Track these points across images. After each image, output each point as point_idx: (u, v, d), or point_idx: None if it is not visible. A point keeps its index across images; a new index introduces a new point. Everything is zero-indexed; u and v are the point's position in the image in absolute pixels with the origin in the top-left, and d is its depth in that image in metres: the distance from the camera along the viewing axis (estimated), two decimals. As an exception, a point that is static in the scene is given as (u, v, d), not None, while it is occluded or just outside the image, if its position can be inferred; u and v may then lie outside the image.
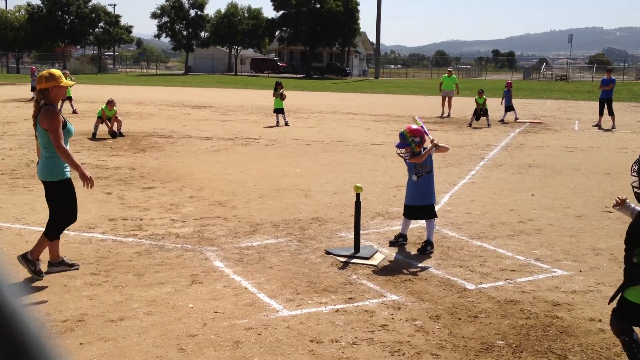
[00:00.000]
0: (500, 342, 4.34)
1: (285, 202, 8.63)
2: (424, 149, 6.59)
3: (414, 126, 6.69)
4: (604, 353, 4.19)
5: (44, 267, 5.59)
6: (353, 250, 6.31)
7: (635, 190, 3.71)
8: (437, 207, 8.42)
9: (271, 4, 75.32)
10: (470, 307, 4.95)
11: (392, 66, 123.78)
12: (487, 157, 13.23)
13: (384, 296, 5.17)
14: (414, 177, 6.57)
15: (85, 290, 5.16)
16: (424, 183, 6.58)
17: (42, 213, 7.67)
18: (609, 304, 4.00)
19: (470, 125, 19.83)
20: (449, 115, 23.72)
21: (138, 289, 5.21)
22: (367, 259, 6.14)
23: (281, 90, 19.01)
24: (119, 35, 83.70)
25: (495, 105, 22.39)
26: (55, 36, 77.28)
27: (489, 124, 19.86)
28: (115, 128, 15.56)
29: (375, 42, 79.46)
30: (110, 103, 15.55)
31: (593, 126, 20.01)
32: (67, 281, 5.36)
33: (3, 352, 0.61)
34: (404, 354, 4.13)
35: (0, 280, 0.65)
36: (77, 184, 9.44)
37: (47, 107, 5.36)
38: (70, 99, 21.89)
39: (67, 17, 78.51)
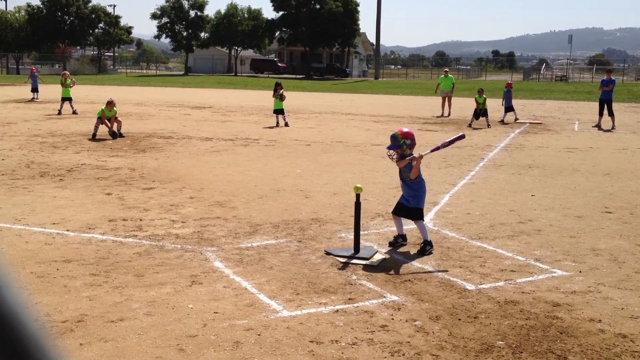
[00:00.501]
0: (500, 342, 4.34)
1: (285, 202, 8.63)
2: (411, 154, 6.52)
3: (405, 129, 6.73)
4: (604, 353, 4.19)
5: None
6: (353, 251, 6.31)
7: None
8: (437, 208, 8.46)
9: (271, 4, 75.34)
10: (470, 308, 4.95)
11: (392, 67, 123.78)
12: (487, 157, 13.23)
13: (384, 297, 5.17)
14: (400, 182, 6.60)
15: (85, 290, 5.16)
16: (412, 187, 6.55)
17: (42, 214, 7.68)
18: None
19: (470, 125, 19.84)
20: (449, 115, 23.89)
21: (138, 289, 5.21)
22: (367, 259, 6.14)
23: (281, 91, 19.00)
24: (119, 36, 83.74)
25: (495, 106, 22.40)
26: (55, 37, 77.31)
27: (488, 125, 19.87)
28: (115, 129, 15.54)
29: (375, 43, 79.46)
30: (110, 104, 15.53)
31: (593, 127, 20.01)
32: (67, 282, 5.36)
33: (3, 353, 0.61)
34: (403, 355, 4.13)
35: (0, 281, 0.65)
36: (77, 184, 9.46)
37: None
38: (70, 99, 21.90)
39: (67, 17, 78.53)
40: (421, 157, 6.58)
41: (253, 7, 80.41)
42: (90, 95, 31.91)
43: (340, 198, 8.92)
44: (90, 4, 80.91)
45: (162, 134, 16.33)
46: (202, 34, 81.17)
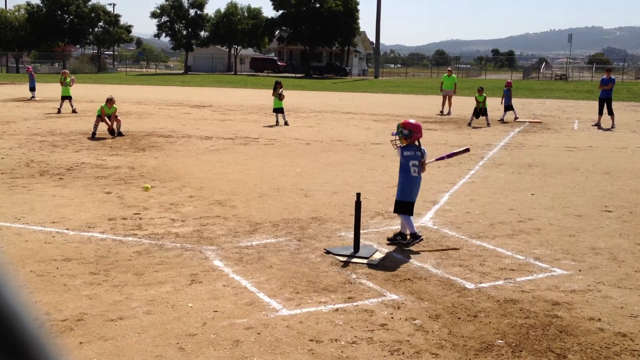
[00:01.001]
0: (500, 341, 4.35)
1: (284, 201, 8.63)
2: (418, 151, 6.74)
3: (411, 120, 6.84)
4: (603, 352, 4.20)
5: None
6: (353, 250, 6.31)
7: None
8: (436, 207, 8.47)
9: (271, 3, 75.29)
10: (469, 307, 4.95)
11: (392, 66, 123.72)
12: (487, 156, 13.23)
13: (384, 295, 5.17)
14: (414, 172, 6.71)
15: (84, 289, 5.16)
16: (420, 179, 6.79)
17: (42, 212, 7.68)
18: None
19: (470, 124, 19.84)
20: (449, 113, 24.03)
21: (137, 288, 5.21)
22: (367, 258, 6.14)
23: (280, 90, 18.98)
24: (119, 35, 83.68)
25: (494, 105, 22.39)
26: (55, 36, 77.26)
27: (488, 124, 19.88)
28: (114, 127, 15.52)
29: (374, 42, 79.42)
30: (110, 101, 15.49)
31: (592, 125, 20.01)
32: (67, 280, 5.36)
33: (3, 352, 0.61)
34: (403, 353, 4.13)
35: (0, 280, 0.65)
36: (77, 183, 9.46)
37: None
38: (70, 98, 21.89)
39: (66, 16, 78.47)
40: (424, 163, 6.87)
41: (253, 5, 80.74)
42: (90, 94, 31.89)
43: (340, 197, 8.92)
44: (89, 3, 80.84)
45: (161, 133, 16.32)
46: (202, 33, 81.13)
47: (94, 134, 15.32)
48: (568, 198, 9.14)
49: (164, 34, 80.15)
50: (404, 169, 6.75)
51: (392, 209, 8.27)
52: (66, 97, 21.80)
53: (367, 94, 38.99)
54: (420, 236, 6.62)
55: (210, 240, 6.69)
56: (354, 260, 6.10)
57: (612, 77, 20.68)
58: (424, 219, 7.80)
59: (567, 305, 5.03)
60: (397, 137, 6.72)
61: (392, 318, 4.70)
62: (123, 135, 15.52)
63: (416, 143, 6.74)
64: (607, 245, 6.74)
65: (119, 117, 15.84)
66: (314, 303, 4.97)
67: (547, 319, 4.75)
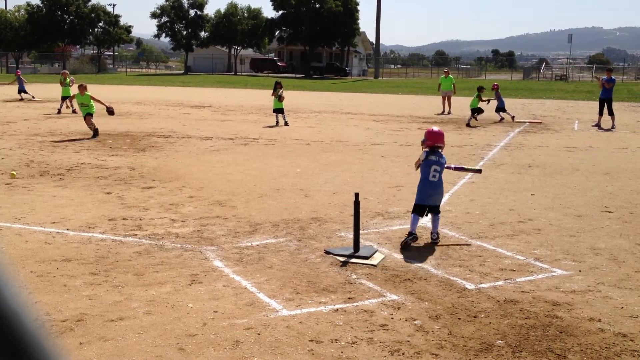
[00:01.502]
0: (500, 341, 4.34)
1: (285, 201, 8.62)
2: (442, 158, 6.99)
3: (435, 128, 7.07)
4: (604, 353, 4.20)
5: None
6: (353, 250, 6.30)
7: None
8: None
9: (271, 3, 75.31)
10: (469, 307, 4.95)
11: (392, 66, 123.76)
12: (487, 156, 13.23)
13: (384, 296, 5.17)
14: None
15: (84, 289, 5.16)
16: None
17: (42, 213, 7.68)
18: None
19: (468, 124, 19.84)
20: (449, 113, 24.18)
21: (138, 288, 5.21)
22: (367, 258, 6.14)
23: (280, 91, 18.96)
24: (119, 35, 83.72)
25: (490, 106, 22.33)
26: (55, 36, 77.29)
27: (475, 118, 20.35)
28: (92, 126, 15.01)
29: (374, 42, 79.40)
30: (80, 87, 15.19)
31: (593, 126, 20.01)
32: (67, 281, 5.36)
33: (3, 352, 0.61)
34: (403, 354, 4.13)
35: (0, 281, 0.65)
36: (77, 184, 9.45)
37: None
38: (70, 98, 21.89)
39: (66, 17, 78.51)
40: (419, 160, 7.01)
41: (253, 6, 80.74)
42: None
43: (340, 197, 8.92)
44: (90, 3, 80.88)
45: (161, 133, 16.32)
46: (202, 33, 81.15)
47: (95, 130, 15.10)
48: (568, 198, 9.14)
49: (164, 35, 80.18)
50: (423, 173, 6.93)
51: (392, 209, 8.30)
52: (66, 98, 21.81)
53: (367, 95, 38.98)
54: (415, 235, 6.68)
55: (210, 240, 6.69)
56: (354, 260, 6.10)
57: (613, 77, 20.68)
58: (424, 219, 7.78)
59: (568, 305, 5.02)
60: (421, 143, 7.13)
61: (392, 318, 4.70)
62: (96, 137, 14.98)
63: (440, 150, 6.95)
64: (608, 245, 6.74)
65: (92, 119, 15.14)
66: (314, 303, 4.96)
67: (547, 319, 4.74)
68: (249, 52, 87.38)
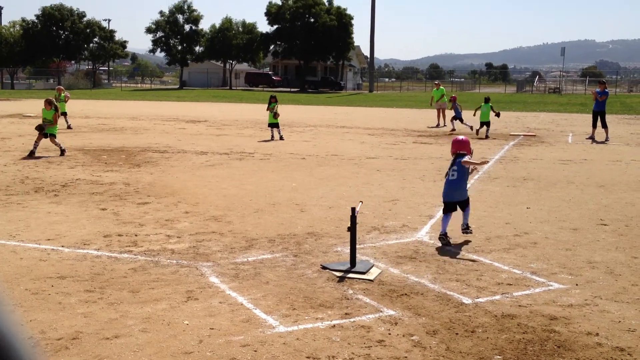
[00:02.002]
0: (498, 357, 4.33)
1: (280, 216, 8.61)
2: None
3: (460, 137, 7.89)
4: (602, 367, 4.18)
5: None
6: (349, 265, 6.29)
7: None
8: (432, 221, 8.46)
9: (265, 18, 75.76)
10: (467, 322, 4.93)
11: (386, 80, 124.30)
12: (482, 170, 13.25)
13: (381, 311, 5.15)
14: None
15: (79, 307, 5.12)
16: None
17: (37, 230, 7.64)
18: None
19: (480, 134, 20.36)
20: (445, 125, 24.36)
21: (133, 305, 5.17)
22: (364, 273, 6.12)
23: (275, 107, 18.98)
24: (114, 50, 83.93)
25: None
26: (50, 52, 77.41)
27: (484, 134, 20.52)
28: (58, 147, 14.60)
29: (369, 56, 79.83)
30: (46, 102, 14.67)
31: (587, 139, 20.10)
32: (62, 298, 5.32)
33: None
34: (401, 370, 4.10)
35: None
36: (72, 200, 9.42)
37: None
38: (64, 114, 21.87)
39: (61, 32, 78.70)
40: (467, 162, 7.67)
41: (248, 20, 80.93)
42: (85, 109, 31.90)
43: (336, 212, 8.91)
44: (85, 19, 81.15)
45: (157, 148, 16.31)
46: (197, 48, 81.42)
47: (62, 151, 14.65)
48: (563, 211, 9.16)
49: (159, 50, 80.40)
50: (448, 172, 7.75)
51: (388, 223, 8.29)
52: (61, 113, 21.78)
53: (362, 108, 39.11)
54: (446, 238, 7.29)
55: (206, 256, 6.66)
56: (351, 275, 6.08)
57: (606, 90, 20.81)
58: (420, 233, 7.79)
59: (565, 319, 5.01)
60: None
61: (390, 334, 4.68)
62: (64, 154, 14.58)
63: (461, 153, 7.62)
64: (604, 258, 6.74)
65: (56, 139, 14.66)
66: (311, 319, 4.94)
67: (545, 333, 4.73)
68: (244, 67, 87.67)
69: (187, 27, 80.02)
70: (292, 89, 71.70)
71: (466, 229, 7.52)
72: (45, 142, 14.86)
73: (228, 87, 77.70)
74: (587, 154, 16.27)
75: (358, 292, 5.63)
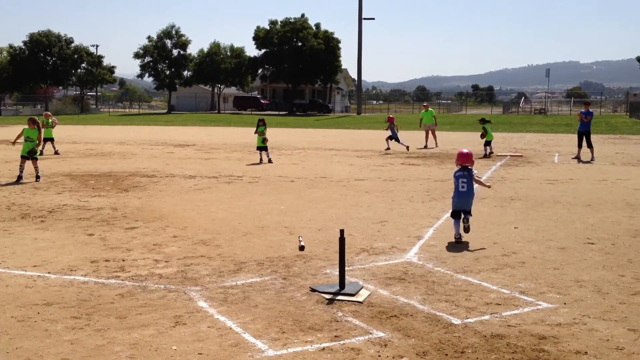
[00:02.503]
0: (488, 377, 4.31)
1: (269, 239, 8.59)
2: (467, 172, 8.85)
3: (464, 150, 8.96)
4: (591, 386, 4.18)
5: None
6: (338, 287, 6.27)
7: None
8: (421, 242, 8.48)
9: (253, 42, 76.29)
10: (456, 343, 4.92)
11: (374, 102, 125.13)
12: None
13: (370, 333, 5.13)
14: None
15: (66, 334, 5.07)
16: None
17: (23, 256, 7.58)
18: None
19: (486, 155, 20.93)
20: (436, 146, 24.71)
21: (120, 331, 5.12)
22: (353, 295, 6.11)
23: (264, 131, 19.06)
24: (102, 76, 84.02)
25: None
26: (38, 78, 77.38)
27: (489, 153, 21.23)
28: (36, 170, 14.60)
29: (356, 79, 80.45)
30: (30, 120, 14.70)
31: (572, 158, 20.31)
32: (48, 325, 5.26)
33: None
34: (391, 392, 4.08)
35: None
36: (59, 225, 9.34)
37: None
38: (52, 140, 21.81)
39: (49, 58, 78.77)
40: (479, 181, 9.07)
41: (236, 45, 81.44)
42: (73, 135, 31.82)
43: (325, 234, 8.91)
44: (72, 45, 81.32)
45: (145, 173, 16.27)
46: (185, 73, 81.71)
47: (37, 177, 14.58)
48: (551, 231, 9.21)
49: (147, 74, 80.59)
50: (455, 185, 8.80)
51: (377, 244, 8.31)
52: (48, 139, 21.72)
53: (350, 130, 39.32)
54: (459, 239, 8.44)
55: (194, 280, 6.62)
56: (340, 297, 6.06)
57: (591, 110, 21.11)
58: (409, 255, 7.80)
59: (554, 339, 5.02)
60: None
61: (379, 356, 4.66)
62: (38, 180, 14.51)
63: (468, 167, 8.76)
64: (591, 277, 6.77)
65: (37, 162, 14.66)
66: (300, 342, 4.91)
67: (534, 353, 4.73)
68: (232, 91, 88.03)
69: (175, 52, 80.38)
70: (281, 112, 72.04)
71: (468, 227, 8.60)
72: (31, 168, 14.77)
73: (216, 111, 77.89)
74: (573, 174, 16.42)
75: (347, 314, 5.61)
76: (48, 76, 78.58)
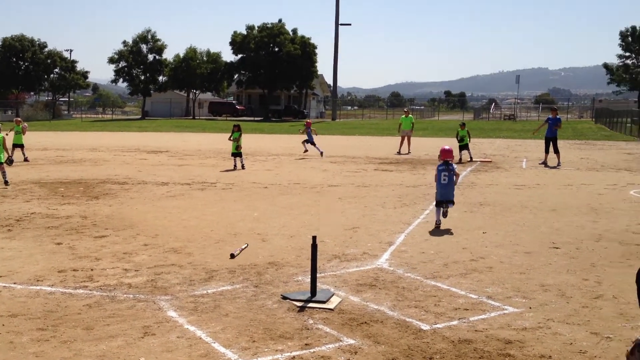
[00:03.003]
0: (454, 382, 4.37)
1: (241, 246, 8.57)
2: (449, 166, 10.18)
3: (446, 147, 10.18)
4: (554, 389, 4.26)
5: None
6: (310, 294, 6.30)
7: None
8: (392, 247, 8.55)
9: (230, 47, 76.03)
10: (425, 349, 4.98)
11: (349, 108, 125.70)
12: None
13: (341, 340, 5.16)
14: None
15: (31, 346, 5.00)
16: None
17: (-11, 266, 7.43)
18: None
19: (460, 160, 20.97)
20: (409, 152, 24.84)
21: (87, 343, 5.07)
22: (324, 302, 6.13)
23: (238, 139, 19.02)
24: (75, 81, 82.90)
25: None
26: (9, 83, 76.08)
27: (470, 159, 21.43)
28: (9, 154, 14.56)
29: (332, 84, 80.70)
30: (17, 121, 14.88)
31: (540, 164, 20.66)
32: (13, 337, 5.18)
33: None
34: (358, 399, 4.11)
35: None
36: (26, 234, 9.20)
37: None
38: (22, 146, 21.46)
39: (22, 63, 77.51)
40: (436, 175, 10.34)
41: (212, 50, 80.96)
42: (44, 141, 31.36)
43: (297, 241, 8.93)
44: (46, 50, 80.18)
45: (116, 180, 16.11)
46: (160, 78, 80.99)
47: (5, 182, 14.60)
48: (518, 235, 9.36)
49: (121, 80, 79.72)
50: (438, 178, 10.07)
51: (349, 251, 8.36)
52: (18, 145, 21.37)
53: (325, 136, 39.36)
54: (438, 225, 9.85)
55: (164, 289, 6.59)
56: (311, 305, 6.08)
57: (558, 116, 21.51)
58: (380, 261, 7.86)
59: (519, 343, 5.11)
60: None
61: (348, 363, 4.69)
62: (7, 186, 14.50)
63: (449, 161, 10.04)
64: (556, 281, 6.91)
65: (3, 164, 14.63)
66: (271, 351, 4.92)
67: (500, 357, 4.81)
68: (208, 96, 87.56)
69: (150, 57, 79.66)
70: (256, 118, 71.88)
71: (446, 212, 10.06)
72: None
73: (191, 117, 77.37)
74: (540, 179, 16.70)
75: (318, 321, 5.64)
76: (20, 81, 77.32)
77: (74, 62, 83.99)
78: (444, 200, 9.94)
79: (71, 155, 23.70)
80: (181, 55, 79.37)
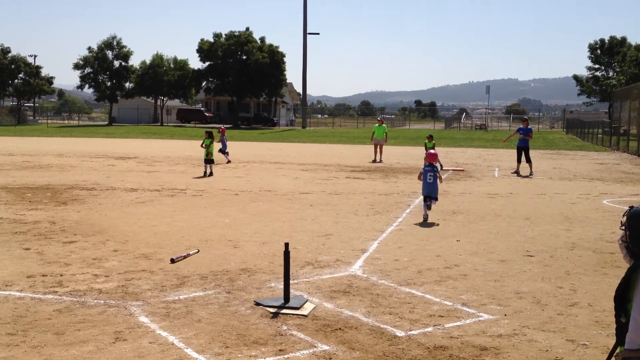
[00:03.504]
0: (431, 388, 4.35)
1: (213, 253, 8.47)
2: (434, 167, 11.84)
3: (432, 151, 12.03)
4: (531, 394, 4.27)
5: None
6: (283, 301, 6.23)
7: (624, 244, 3.38)
8: (366, 255, 8.53)
9: (197, 55, 75.65)
10: (400, 355, 4.96)
11: (319, 116, 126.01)
12: (414, 204, 13.54)
13: (315, 347, 5.11)
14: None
15: (0, 351, 4.84)
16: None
17: (-48, 272, 7.19)
18: None
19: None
20: (381, 161, 24.94)
21: (58, 348, 4.92)
22: (297, 309, 6.08)
23: (209, 145, 18.91)
24: (40, 87, 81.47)
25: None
26: (-28, 88, 74.41)
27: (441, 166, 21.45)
28: None
29: (301, 93, 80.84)
30: None
31: (512, 173, 20.94)
32: (-22, 344, 5.00)
33: None
34: (336, 406, 4.06)
35: None
36: (-8, 239, 8.93)
37: None
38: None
39: (-16, 68, 75.91)
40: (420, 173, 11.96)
41: (179, 57, 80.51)
42: (8, 146, 30.65)
43: (270, 247, 8.85)
44: (9, 55, 78.66)
45: (84, 186, 15.80)
46: (127, 84, 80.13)
47: None
48: (492, 243, 9.44)
49: (87, 85, 78.62)
50: (424, 177, 11.57)
51: (322, 258, 8.31)
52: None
53: (295, 144, 39.37)
54: (426, 219, 11.29)
55: (135, 295, 6.45)
56: (284, 311, 6.02)
57: (529, 126, 21.86)
58: (353, 268, 7.83)
59: (495, 350, 5.12)
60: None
61: (325, 370, 4.64)
62: None
63: (435, 163, 11.75)
64: (530, 289, 6.97)
65: None
66: (244, 357, 4.84)
67: (476, 363, 4.81)
68: (176, 103, 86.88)
69: (116, 63, 78.76)
70: (225, 125, 71.48)
71: (430, 207, 11.53)
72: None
73: (159, 124, 76.61)
74: (513, 188, 16.92)
75: (292, 327, 5.57)
76: (-18, 86, 75.72)
77: (38, 67, 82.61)
78: (430, 196, 11.45)
79: (38, 161, 23.21)
80: (147, 61, 78.67)
